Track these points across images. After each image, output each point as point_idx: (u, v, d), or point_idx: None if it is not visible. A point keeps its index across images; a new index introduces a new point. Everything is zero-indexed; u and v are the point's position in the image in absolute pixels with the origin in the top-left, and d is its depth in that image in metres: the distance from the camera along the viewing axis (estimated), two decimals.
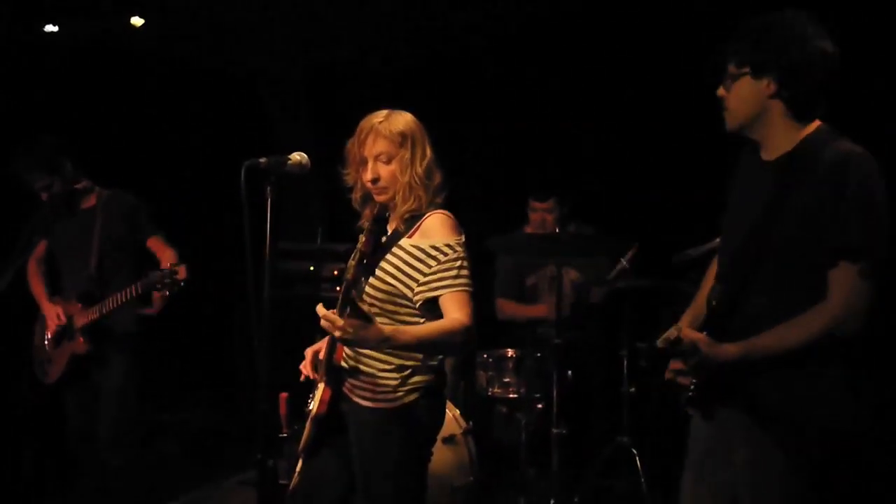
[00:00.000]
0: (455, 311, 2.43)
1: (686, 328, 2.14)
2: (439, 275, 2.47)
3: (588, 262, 4.68)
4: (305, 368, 2.72)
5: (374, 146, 2.53)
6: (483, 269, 3.95)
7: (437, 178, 2.58)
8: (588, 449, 4.30)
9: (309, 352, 2.74)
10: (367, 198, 2.65)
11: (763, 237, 2.13)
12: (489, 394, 4.22)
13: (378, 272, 2.53)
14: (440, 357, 2.59)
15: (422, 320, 2.51)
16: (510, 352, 4.19)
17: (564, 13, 5.13)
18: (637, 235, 4.20)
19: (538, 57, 5.35)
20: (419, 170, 2.53)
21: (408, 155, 2.53)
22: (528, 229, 4.65)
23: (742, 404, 2.16)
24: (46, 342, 3.98)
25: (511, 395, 4.17)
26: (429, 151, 2.57)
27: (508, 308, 4.80)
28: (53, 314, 3.91)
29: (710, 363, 2.10)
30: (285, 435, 3.13)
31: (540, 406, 4.18)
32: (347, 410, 2.59)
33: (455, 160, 2.74)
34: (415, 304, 2.50)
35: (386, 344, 2.37)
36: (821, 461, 2.10)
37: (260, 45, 5.84)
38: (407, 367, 2.52)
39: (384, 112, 2.57)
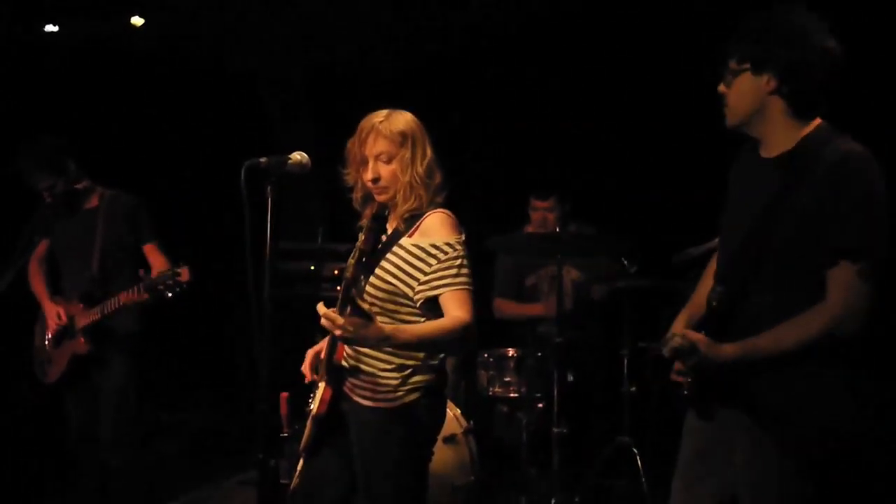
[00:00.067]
0: (456, 310, 2.43)
1: (686, 328, 2.13)
2: (440, 273, 2.47)
3: (589, 263, 4.68)
4: (306, 369, 2.72)
5: (375, 146, 2.53)
6: (483, 270, 3.95)
7: (438, 177, 2.58)
8: (589, 448, 4.30)
9: (310, 352, 2.74)
10: (368, 197, 2.65)
11: (762, 237, 2.12)
12: (490, 393, 4.22)
13: (378, 271, 2.53)
14: (441, 356, 2.58)
15: (422, 319, 2.51)
16: (511, 351, 4.19)
17: (564, 13, 5.13)
18: (637, 234, 4.20)
19: (538, 57, 5.35)
20: (420, 169, 2.53)
21: (408, 154, 2.53)
22: (529, 229, 4.65)
23: (742, 404, 2.15)
24: (47, 342, 3.98)
25: (512, 395, 4.17)
26: (429, 151, 2.57)
27: (507, 307, 4.80)
28: (54, 314, 3.91)
29: (708, 364, 2.09)
30: (286, 434, 3.13)
31: (541, 405, 4.18)
32: (348, 410, 2.59)
33: (455, 160, 2.75)
34: (415, 303, 2.50)
35: (386, 343, 2.37)
36: (821, 461, 2.10)
37: (260, 45, 5.84)
38: (408, 367, 2.52)
39: (385, 112, 2.57)
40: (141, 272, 3.65)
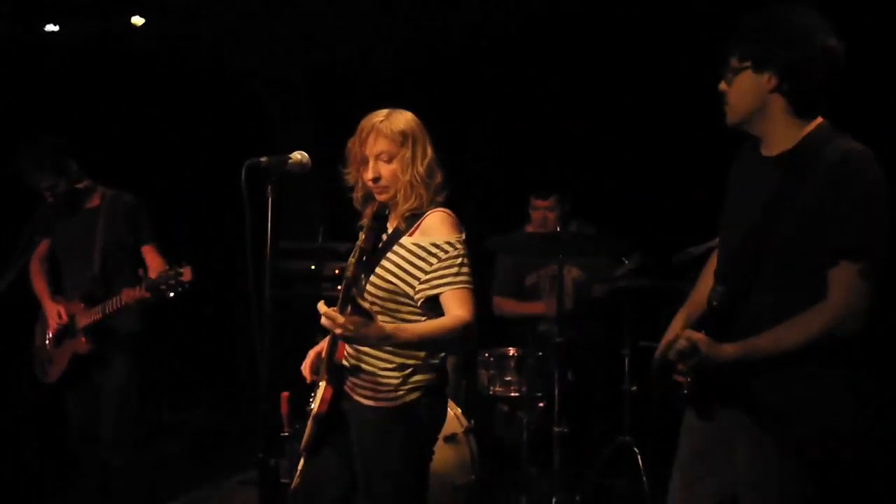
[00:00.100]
0: (456, 308, 2.43)
1: (684, 327, 2.13)
2: (440, 272, 2.47)
3: (589, 262, 4.68)
4: (305, 370, 2.72)
5: (375, 145, 2.53)
6: (483, 269, 3.95)
7: (438, 176, 2.58)
8: (589, 448, 4.30)
9: (312, 353, 2.74)
10: (369, 197, 2.65)
11: (763, 236, 2.12)
12: (491, 392, 4.22)
13: (379, 271, 2.53)
14: (442, 355, 2.59)
15: (423, 318, 2.51)
16: (512, 350, 4.20)
17: (564, 13, 5.13)
18: (638, 234, 4.21)
19: (538, 57, 5.35)
20: (420, 169, 2.53)
21: (409, 154, 2.53)
22: (530, 228, 4.65)
23: (742, 404, 2.15)
24: (47, 341, 3.98)
25: (512, 394, 4.17)
26: (430, 150, 2.57)
27: (507, 305, 4.80)
28: (54, 313, 3.91)
29: (709, 364, 2.09)
30: (287, 434, 3.14)
31: (541, 405, 4.18)
32: (349, 409, 2.59)
33: (455, 160, 2.75)
34: (416, 302, 2.50)
35: (387, 342, 2.37)
36: (821, 461, 2.09)
37: (260, 45, 5.84)
38: (408, 366, 2.52)
39: (385, 111, 2.57)
40: (141, 272, 3.65)
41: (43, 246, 4.13)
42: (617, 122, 5.06)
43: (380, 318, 2.44)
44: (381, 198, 2.60)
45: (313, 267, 4.78)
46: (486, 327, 2.89)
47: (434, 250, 2.49)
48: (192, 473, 5.01)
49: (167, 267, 3.62)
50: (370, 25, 5.45)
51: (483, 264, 4.01)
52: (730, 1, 3.02)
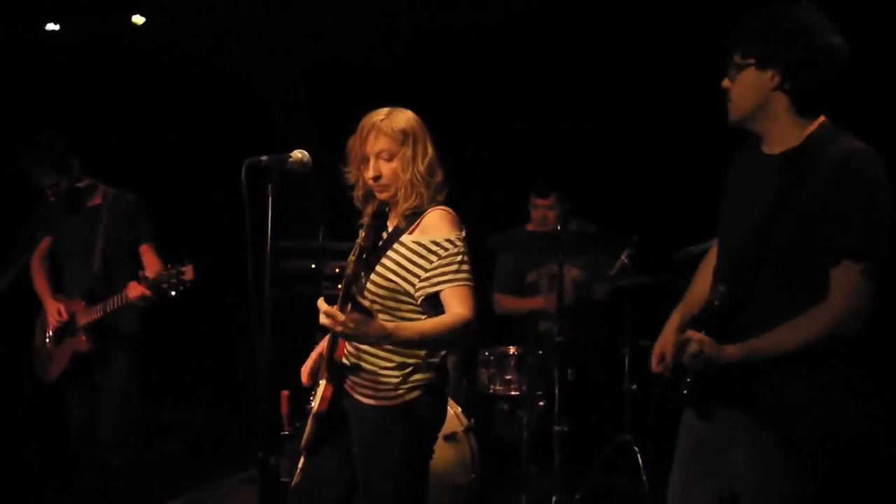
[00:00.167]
0: (456, 306, 2.43)
1: (681, 327, 2.13)
2: (440, 270, 2.47)
3: (589, 261, 4.68)
4: (305, 372, 2.72)
5: (376, 144, 2.53)
6: (484, 268, 3.95)
7: (439, 175, 2.58)
8: (589, 446, 4.30)
9: (313, 354, 2.74)
10: (369, 195, 2.65)
11: (764, 235, 2.11)
12: (491, 391, 4.22)
13: (379, 269, 2.53)
14: (442, 354, 2.58)
15: (423, 316, 2.51)
16: (512, 349, 4.20)
17: (564, 13, 5.13)
18: (638, 233, 4.21)
19: (538, 57, 5.35)
20: (421, 167, 2.53)
21: (409, 152, 2.53)
22: (530, 227, 4.65)
23: (742, 404, 2.15)
24: (47, 340, 3.98)
25: (513, 393, 4.17)
26: (430, 149, 2.57)
27: (507, 302, 4.81)
28: (55, 311, 3.92)
29: (711, 364, 2.09)
30: (287, 432, 3.14)
31: (541, 403, 4.18)
32: (349, 408, 2.59)
33: (455, 159, 2.75)
34: (416, 299, 2.50)
35: (387, 339, 2.37)
36: (821, 461, 2.09)
37: (260, 45, 5.84)
38: (408, 365, 2.52)
39: (385, 110, 2.57)
40: (141, 273, 3.65)
41: (44, 244, 4.13)
42: (617, 122, 5.06)
43: (380, 316, 2.44)
44: (381, 196, 2.60)
45: (314, 266, 4.78)
46: (486, 326, 2.89)
47: (434, 248, 2.49)
48: (192, 473, 5.01)
49: (164, 266, 3.62)
50: (370, 25, 5.46)
51: (483, 263, 4.02)
52: (730, 1, 3.03)
